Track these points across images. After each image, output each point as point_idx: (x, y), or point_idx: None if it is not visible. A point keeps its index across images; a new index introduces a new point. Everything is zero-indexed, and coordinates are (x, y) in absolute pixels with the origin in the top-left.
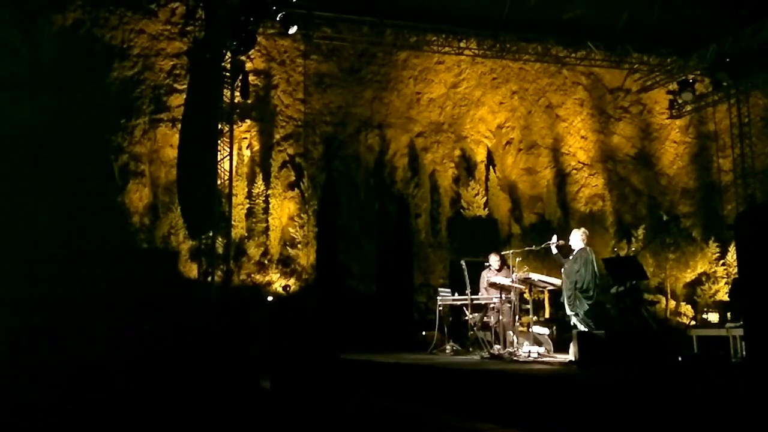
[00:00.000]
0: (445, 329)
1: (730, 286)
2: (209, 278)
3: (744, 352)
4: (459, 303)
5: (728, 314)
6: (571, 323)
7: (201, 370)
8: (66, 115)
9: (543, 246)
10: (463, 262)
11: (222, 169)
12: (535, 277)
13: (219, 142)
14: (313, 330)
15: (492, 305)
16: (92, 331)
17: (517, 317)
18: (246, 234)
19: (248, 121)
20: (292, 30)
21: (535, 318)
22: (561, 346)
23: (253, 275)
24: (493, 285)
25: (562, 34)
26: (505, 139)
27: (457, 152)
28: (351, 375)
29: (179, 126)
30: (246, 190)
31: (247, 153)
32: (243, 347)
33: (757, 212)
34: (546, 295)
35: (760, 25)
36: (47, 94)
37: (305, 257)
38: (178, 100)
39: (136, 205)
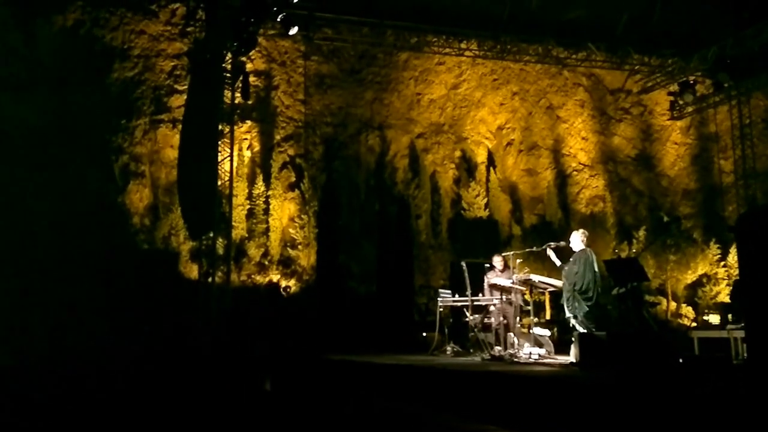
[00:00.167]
0: (446, 330)
1: (731, 287)
2: (210, 279)
3: (745, 354)
4: (459, 304)
5: (729, 316)
6: (571, 325)
7: (201, 371)
8: (66, 115)
9: (543, 247)
10: (463, 264)
11: (222, 170)
12: (535, 278)
13: (219, 142)
14: (313, 331)
15: (493, 306)
16: (93, 332)
17: (518, 318)
18: (246, 235)
19: (249, 122)
20: (293, 31)
21: (535, 319)
22: (562, 348)
23: (253, 276)
24: (493, 286)
25: (562, 35)
26: (505, 140)
27: (458, 153)
28: (351, 376)
29: (180, 127)
30: (246, 191)
31: (247, 154)
32: (244, 348)
33: (758, 214)
34: (547, 297)
35: (761, 26)
36: (47, 95)
37: (306, 258)
38: (178, 101)
39: (137, 206)
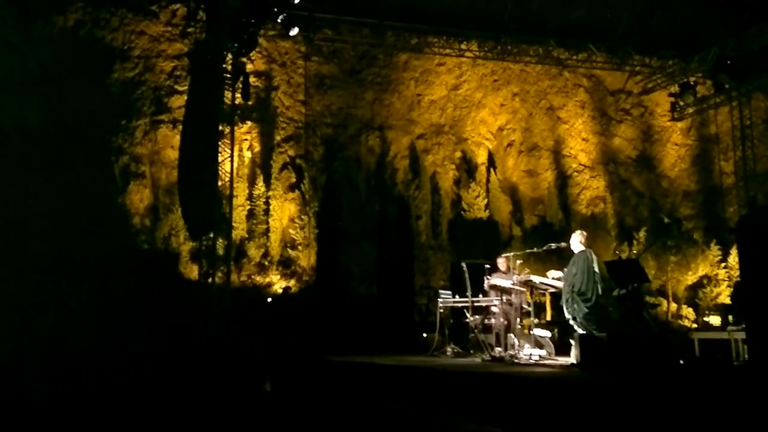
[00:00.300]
0: (446, 331)
1: (731, 289)
2: (210, 279)
3: (746, 355)
4: (460, 305)
5: (730, 317)
6: (571, 326)
7: (201, 372)
8: (67, 116)
9: (544, 248)
10: (464, 264)
11: (223, 171)
12: (536, 279)
13: (220, 143)
14: (313, 332)
15: (496, 308)
16: (92, 332)
17: (518, 320)
18: (246, 235)
19: (249, 123)
20: (293, 32)
21: (536, 320)
22: (562, 349)
23: (253, 277)
24: (494, 287)
25: (563, 36)
26: (506, 141)
27: (458, 154)
28: (351, 377)
29: (180, 127)
30: (247, 191)
31: (247, 154)
32: (244, 349)
33: (759, 216)
34: (547, 298)
35: (762, 27)
36: (48, 95)
37: (306, 259)
38: (178, 102)
39: (137, 207)
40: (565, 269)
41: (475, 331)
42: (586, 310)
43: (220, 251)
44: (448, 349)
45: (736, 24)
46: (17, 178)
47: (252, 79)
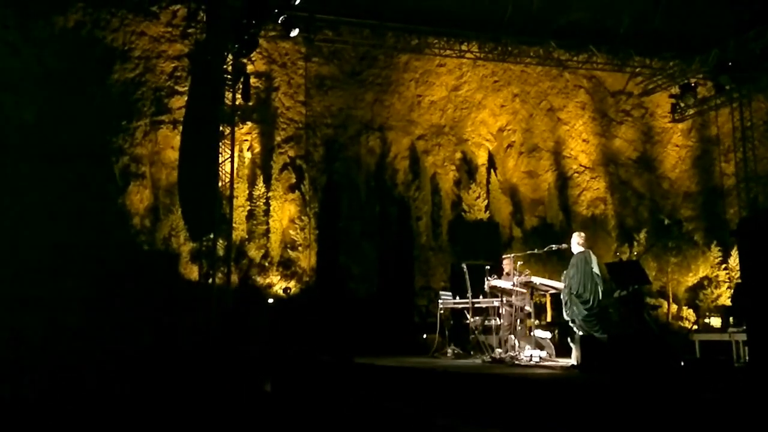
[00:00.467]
0: (446, 332)
1: (732, 290)
2: (210, 280)
3: (746, 357)
4: (460, 306)
5: (730, 319)
6: (571, 327)
7: (201, 372)
8: (67, 116)
9: (545, 249)
10: (464, 266)
11: (223, 171)
12: (537, 280)
13: (220, 144)
14: (313, 332)
15: (503, 309)
16: (92, 332)
17: (518, 321)
18: (246, 236)
19: (249, 124)
20: (294, 33)
21: (537, 322)
22: (563, 350)
23: (253, 277)
24: (494, 288)
25: (563, 37)
26: (506, 142)
27: (458, 155)
28: (352, 378)
29: (180, 128)
30: (247, 192)
31: (248, 155)
32: (244, 349)
33: (760, 218)
34: (548, 299)
35: (763, 28)
36: (48, 96)
37: (306, 259)
38: (179, 102)
39: (137, 207)
40: (565, 271)
41: (476, 332)
42: (585, 312)
43: (221, 252)
44: (449, 351)
45: (736, 25)
46: (17, 179)
47: (252, 80)
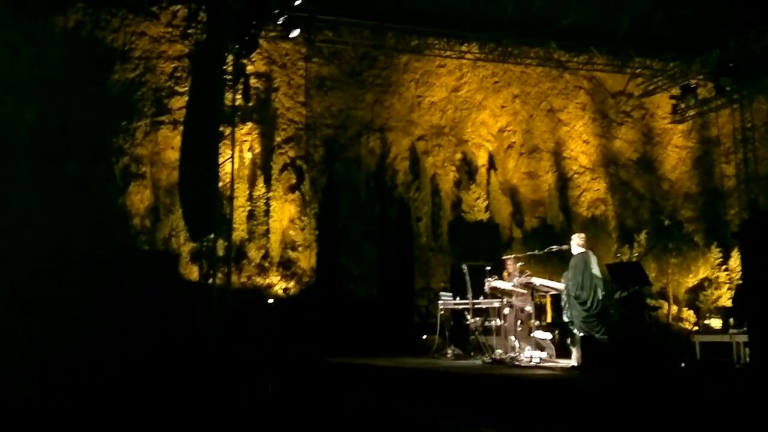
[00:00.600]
0: (446, 333)
1: (732, 291)
2: (210, 281)
3: (747, 359)
4: (460, 307)
5: (731, 320)
6: (571, 329)
7: (201, 373)
8: (67, 116)
9: (546, 251)
10: (464, 266)
11: (223, 172)
12: (537, 281)
13: (220, 144)
14: (313, 333)
15: (507, 309)
16: (92, 333)
17: (519, 322)
18: (247, 236)
19: (249, 124)
20: (294, 33)
21: (537, 323)
22: (563, 351)
23: (253, 278)
24: (495, 289)
25: (564, 38)
26: (506, 142)
27: (459, 156)
28: (352, 379)
29: (180, 128)
30: (247, 192)
31: (248, 156)
32: (244, 350)
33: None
34: (548, 300)
35: (764, 29)
36: (49, 96)
37: (306, 260)
38: (179, 103)
39: (137, 207)
40: (565, 273)
41: (476, 333)
42: (585, 314)
43: (221, 252)
44: (449, 351)
45: (737, 26)
46: (17, 179)
47: (252, 81)
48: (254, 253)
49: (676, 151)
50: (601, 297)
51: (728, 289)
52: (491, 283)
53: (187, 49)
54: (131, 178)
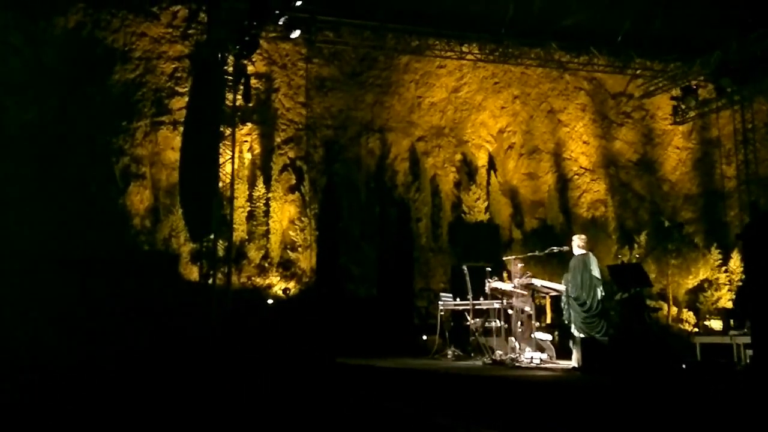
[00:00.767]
0: (446, 334)
1: (732, 293)
2: (210, 281)
3: (747, 360)
4: (461, 308)
5: (731, 321)
6: (571, 330)
7: (201, 373)
8: (68, 117)
9: (546, 252)
10: (464, 267)
11: (223, 172)
12: (537, 282)
13: (220, 145)
14: (313, 334)
15: (511, 310)
16: (92, 333)
17: (519, 323)
18: (247, 237)
19: (249, 125)
20: (295, 34)
21: (537, 324)
22: (563, 352)
23: (253, 278)
24: (495, 290)
25: (564, 39)
26: (506, 143)
27: (459, 156)
28: (352, 379)
29: (180, 129)
30: (247, 193)
31: (248, 156)
32: (244, 350)
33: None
34: (548, 301)
35: (764, 31)
36: (49, 96)
37: (306, 260)
38: (179, 103)
39: (137, 208)
40: (565, 274)
41: (476, 334)
42: (584, 315)
43: (221, 253)
44: (449, 352)
45: (738, 28)
46: (17, 179)
47: (253, 81)
48: (254, 254)
49: (676, 153)
50: (600, 298)
51: (728, 290)
52: (492, 284)
53: (188, 49)
54: (131, 179)
